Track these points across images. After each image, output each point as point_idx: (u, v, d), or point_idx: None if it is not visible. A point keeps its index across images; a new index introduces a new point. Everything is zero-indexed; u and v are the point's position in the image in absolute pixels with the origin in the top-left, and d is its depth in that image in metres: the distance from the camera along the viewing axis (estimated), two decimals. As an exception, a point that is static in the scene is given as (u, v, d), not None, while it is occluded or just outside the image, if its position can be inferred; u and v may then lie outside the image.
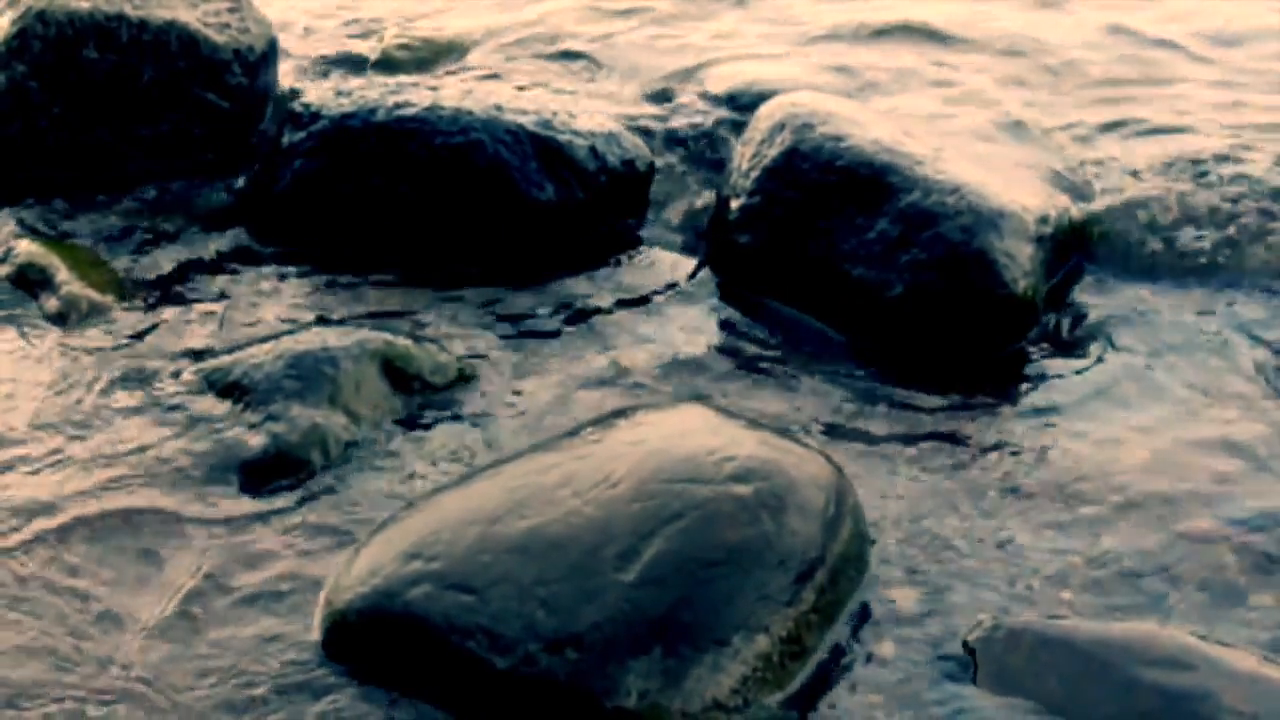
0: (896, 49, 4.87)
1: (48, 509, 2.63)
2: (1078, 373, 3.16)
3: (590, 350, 3.22)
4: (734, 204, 3.55)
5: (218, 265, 3.55)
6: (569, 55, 4.96)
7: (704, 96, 4.54)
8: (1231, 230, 3.65)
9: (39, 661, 2.29)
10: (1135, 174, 3.92)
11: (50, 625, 2.37)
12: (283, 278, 3.49)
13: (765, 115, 3.68)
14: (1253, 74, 4.62)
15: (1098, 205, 3.75)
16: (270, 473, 2.74)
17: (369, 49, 4.92)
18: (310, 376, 2.91)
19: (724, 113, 4.37)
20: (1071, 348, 3.24)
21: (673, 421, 2.67)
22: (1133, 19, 5.08)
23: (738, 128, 4.03)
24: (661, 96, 4.58)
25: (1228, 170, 3.85)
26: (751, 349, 3.24)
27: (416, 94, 3.77)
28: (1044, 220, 3.49)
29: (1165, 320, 3.35)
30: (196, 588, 2.47)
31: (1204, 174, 3.84)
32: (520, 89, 4.46)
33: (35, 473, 2.74)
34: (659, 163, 3.98)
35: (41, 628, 2.36)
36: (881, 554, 2.58)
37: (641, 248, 3.69)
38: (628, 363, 3.17)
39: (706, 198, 3.86)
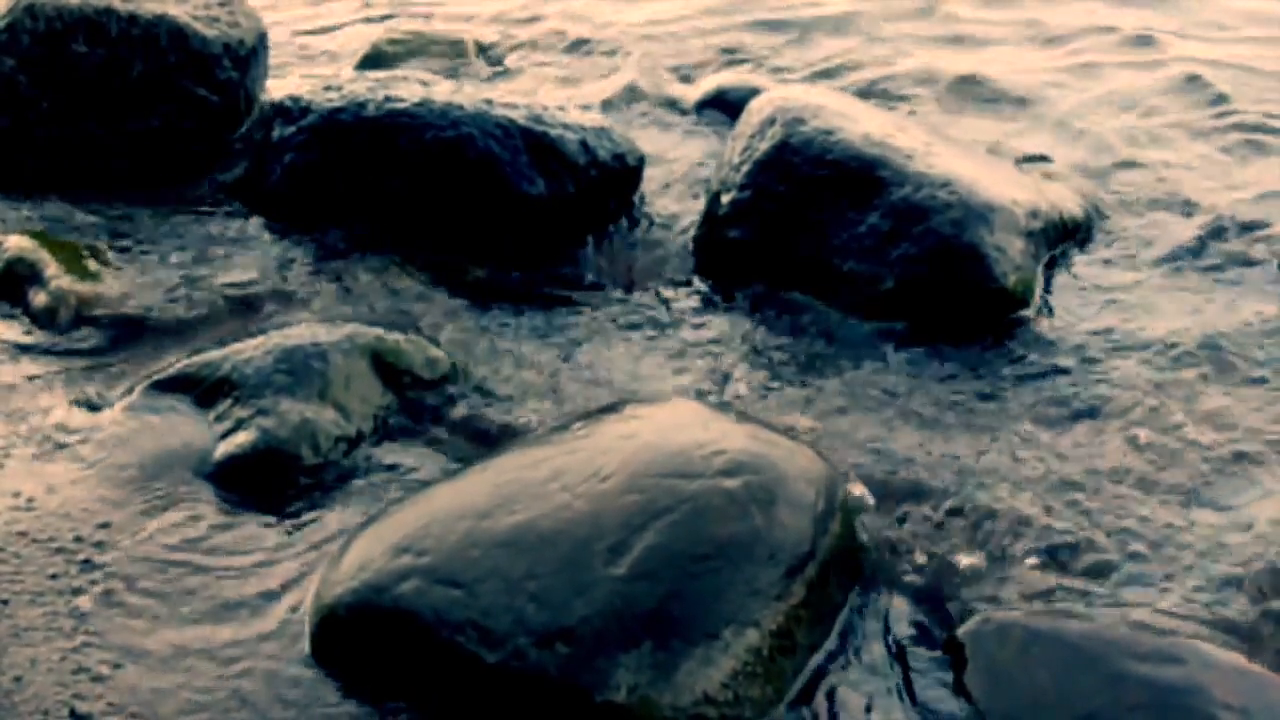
0: None
1: (30, 503, 2.63)
2: (1070, 358, 3.16)
3: (580, 344, 3.21)
4: (725, 198, 3.55)
5: (207, 260, 3.54)
6: (562, 48, 4.96)
7: (697, 88, 4.55)
8: None
9: (35, 651, 2.30)
10: None
11: (37, 616, 2.37)
12: (273, 271, 3.48)
13: (756, 109, 3.68)
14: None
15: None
16: (260, 468, 2.73)
17: (360, 43, 4.92)
18: (300, 371, 2.91)
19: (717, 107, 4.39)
20: (1063, 335, 3.24)
21: (663, 416, 2.67)
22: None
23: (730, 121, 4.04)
24: (656, 88, 4.59)
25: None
26: (743, 342, 3.24)
27: (407, 88, 3.77)
28: (1034, 214, 3.50)
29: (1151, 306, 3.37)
30: (189, 584, 2.47)
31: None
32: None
33: (17, 469, 2.73)
34: (650, 155, 3.98)
35: (27, 620, 2.36)
36: (874, 545, 2.57)
37: (632, 241, 3.69)
38: (618, 356, 3.17)
39: (698, 191, 3.87)
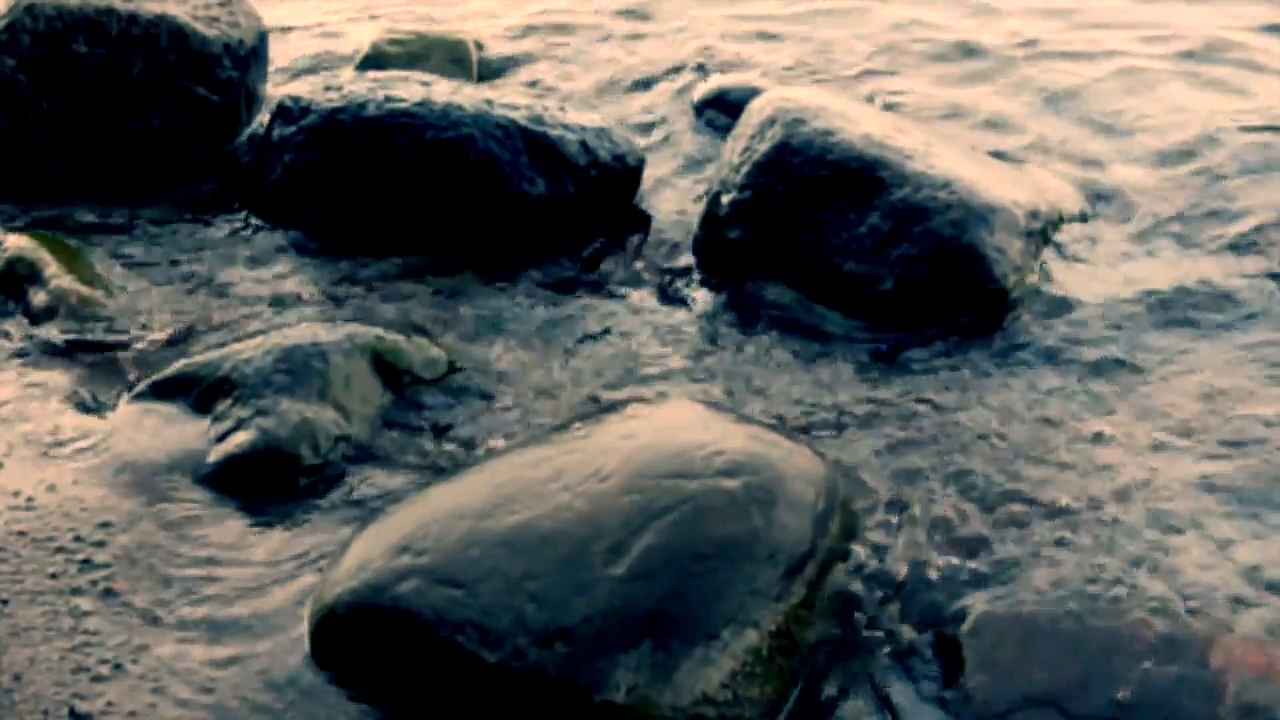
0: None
1: (30, 503, 2.62)
2: (1068, 359, 3.16)
3: (580, 344, 3.22)
4: (725, 199, 3.55)
5: (207, 259, 3.54)
6: (562, 48, 4.96)
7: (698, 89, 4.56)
8: None
9: (35, 651, 2.30)
10: None
11: (37, 616, 2.36)
12: (273, 271, 3.49)
13: (756, 110, 3.68)
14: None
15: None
16: (260, 468, 2.73)
17: (361, 43, 4.92)
18: (300, 371, 2.91)
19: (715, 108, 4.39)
20: (1063, 336, 3.24)
21: (663, 416, 2.67)
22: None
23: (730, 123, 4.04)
24: (657, 88, 4.60)
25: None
26: (742, 341, 3.24)
27: (407, 88, 3.77)
28: (1034, 215, 3.50)
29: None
30: (189, 584, 2.47)
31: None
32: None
33: (18, 468, 2.73)
34: (650, 156, 3.98)
35: (27, 620, 2.36)
36: (872, 541, 2.57)
37: (632, 241, 3.69)
38: (618, 356, 3.17)
39: (698, 192, 3.87)
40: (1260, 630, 2.37)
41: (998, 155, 4.04)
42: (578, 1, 5.39)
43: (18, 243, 3.45)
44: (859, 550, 2.54)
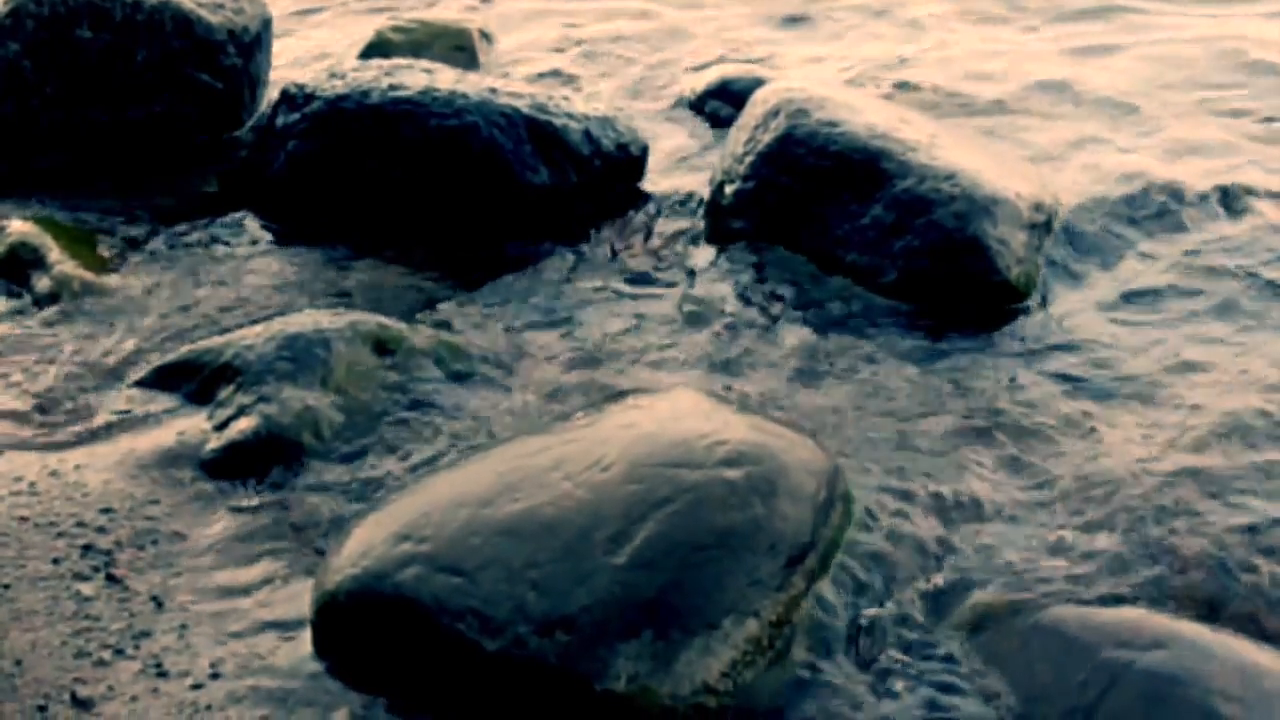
0: None
1: (32, 488, 2.63)
2: (1070, 354, 3.16)
3: (583, 333, 3.22)
4: (728, 189, 3.55)
5: (210, 246, 3.54)
6: (566, 37, 4.96)
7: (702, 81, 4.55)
8: None
9: (37, 635, 2.30)
10: None
11: (39, 600, 2.37)
12: (276, 259, 3.49)
13: (760, 100, 3.68)
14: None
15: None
16: (261, 455, 2.73)
17: (365, 31, 4.92)
18: (303, 358, 2.91)
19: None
20: (1064, 330, 3.24)
21: (664, 406, 2.67)
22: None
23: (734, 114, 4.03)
24: (660, 78, 4.60)
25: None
26: (744, 332, 3.24)
27: (411, 76, 3.77)
28: (1038, 207, 3.50)
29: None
30: (190, 570, 2.47)
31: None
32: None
33: (21, 454, 2.74)
34: (654, 145, 3.98)
35: (29, 605, 2.36)
36: (872, 531, 2.58)
37: (635, 231, 3.69)
38: (620, 345, 3.17)
39: (701, 182, 3.86)
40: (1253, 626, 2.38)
41: (1001, 147, 4.04)
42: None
43: (21, 228, 3.45)
44: (860, 540, 2.55)
